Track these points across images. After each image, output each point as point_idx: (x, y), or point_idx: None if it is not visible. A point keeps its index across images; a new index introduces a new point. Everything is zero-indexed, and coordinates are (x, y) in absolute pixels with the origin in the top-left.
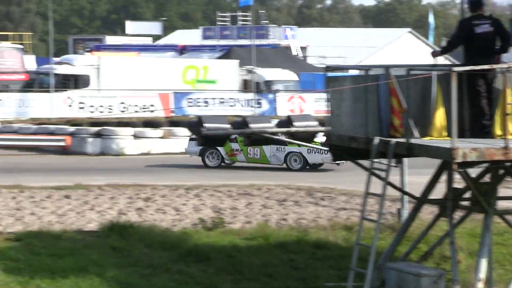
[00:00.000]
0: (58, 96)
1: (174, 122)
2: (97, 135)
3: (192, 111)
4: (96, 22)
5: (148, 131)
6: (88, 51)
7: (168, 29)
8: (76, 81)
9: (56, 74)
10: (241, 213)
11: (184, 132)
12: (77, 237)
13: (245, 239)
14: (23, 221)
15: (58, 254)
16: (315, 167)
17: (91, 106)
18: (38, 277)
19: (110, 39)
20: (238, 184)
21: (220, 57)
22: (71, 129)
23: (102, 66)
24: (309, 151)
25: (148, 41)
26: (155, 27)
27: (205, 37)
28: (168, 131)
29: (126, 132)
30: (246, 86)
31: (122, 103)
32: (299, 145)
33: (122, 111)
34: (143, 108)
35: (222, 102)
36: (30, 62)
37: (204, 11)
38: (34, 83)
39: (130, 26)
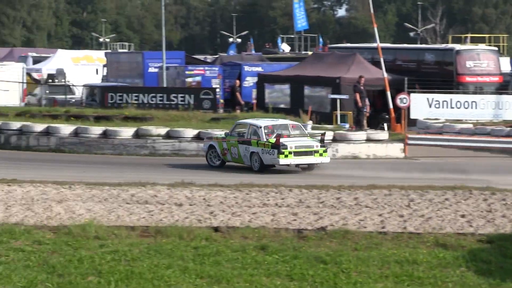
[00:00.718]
0: None
1: None
2: None
3: None
4: None
5: None
6: None
7: None
8: None
9: None
10: None
11: None
12: None
13: None
14: (494, 223)
15: None
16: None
17: None
18: (510, 280)
19: None
20: None
21: None
22: None
23: None
24: (263, 152)
25: None
26: None
27: None
28: None
29: None
30: None
31: None
32: (258, 145)
33: None
34: None
35: None
36: (505, 65)
37: None
38: (508, 85)
39: None
